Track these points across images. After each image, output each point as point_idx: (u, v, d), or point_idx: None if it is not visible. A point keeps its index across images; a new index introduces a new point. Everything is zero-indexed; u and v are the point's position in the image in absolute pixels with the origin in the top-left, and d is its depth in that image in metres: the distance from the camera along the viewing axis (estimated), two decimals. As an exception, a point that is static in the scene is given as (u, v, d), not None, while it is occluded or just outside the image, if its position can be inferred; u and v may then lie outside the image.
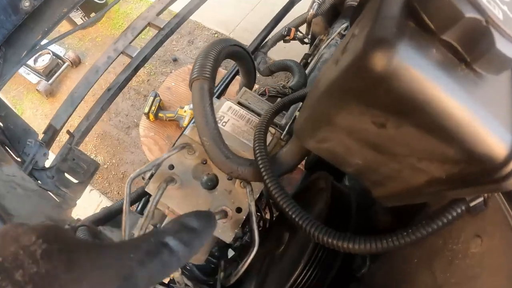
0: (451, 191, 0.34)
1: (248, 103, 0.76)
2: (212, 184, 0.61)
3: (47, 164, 1.55)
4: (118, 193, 2.26)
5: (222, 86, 1.57)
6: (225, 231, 0.57)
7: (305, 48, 1.75)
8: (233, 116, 0.66)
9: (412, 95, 0.27)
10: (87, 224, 0.86)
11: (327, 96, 0.35)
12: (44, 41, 1.60)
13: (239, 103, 0.72)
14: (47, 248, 0.25)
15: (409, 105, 0.28)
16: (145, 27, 1.65)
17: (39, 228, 0.26)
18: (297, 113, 0.77)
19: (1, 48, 1.48)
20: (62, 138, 2.26)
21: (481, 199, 0.38)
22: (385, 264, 0.52)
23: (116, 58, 1.58)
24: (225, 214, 0.55)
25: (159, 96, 2.32)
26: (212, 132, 0.52)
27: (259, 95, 0.92)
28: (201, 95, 0.54)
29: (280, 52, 2.05)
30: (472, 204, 0.37)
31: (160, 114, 2.27)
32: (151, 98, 2.28)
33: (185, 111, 2.23)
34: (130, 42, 1.61)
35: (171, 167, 0.60)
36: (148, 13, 1.64)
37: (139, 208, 1.23)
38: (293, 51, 1.99)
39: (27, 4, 1.39)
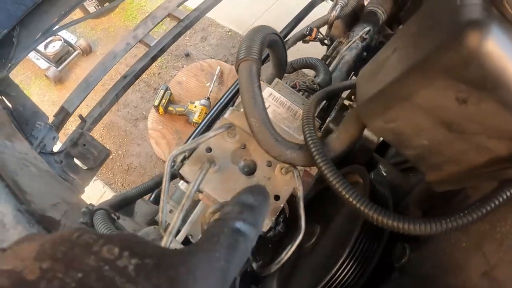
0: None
1: (280, 94, 0.74)
2: (249, 170, 0.59)
3: (55, 149, 1.52)
4: (122, 184, 2.24)
5: (236, 88, 1.56)
6: (262, 219, 0.55)
7: (315, 52, 1.74)
8: (274, 103, 0.64)
9: (499, 72, 0.30)
10: (106, 208, 0.84)
11: (410, 74, 0.36)
12: (56, 27, 1.59)
13: (272, 93, 0.71)
14: (140, 264, 0.22)
15: (495, 81, 0.31)
16: (165, 17, 1.64)
17: (116, 237, 0.23)
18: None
19: (16, 28, 1.46)
20: (68, 126, 2.23)
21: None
22: (428, 254, 0.52)
23: (135, 45, 1.56)
24: (267, 200, 0.53)
25: (170, 90, 2.31)
26: (262, 113, 0.50)
27: (289, 88, 0.91)
28: (249, 76, 0.52)
29: (294, 54, 2.04)
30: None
31: (170, 108, 2.26)
32: (162, 91, 2.26)
33: (195, 107, 2.22)
34: (149, 31, 1.60)
35: (209, 149, 0.59)
36: (169, 3, 1.63)
37: (152, 199, 1.21)
38: (306, 54, 1.98)
39: (48, -18, 1.37)
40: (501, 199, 0.39)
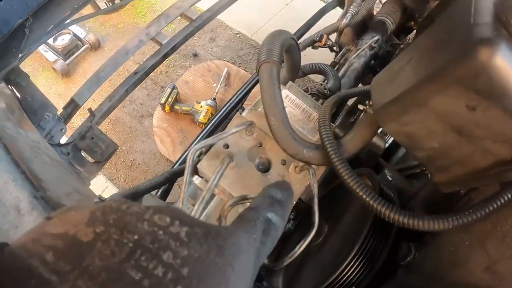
0: None
1: (296, 97, 0.77)
2: (263, 168, 0.62)
3: (62, 141, 1.54)
4: (125, 180, 2.25)
5: (245, 91, 1.58)
6: (275, 215, 0.58)
7: (322, 58, 1.76)
8: (290, 104, 0.67)
9: (505, 83, 0.34)
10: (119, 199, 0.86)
11: (426, 83, 0.40)
12: (67, 20, 1.60)
13: (286, 96, 0.73)
14: (190, 232, 0.23)
15: (501, 91, 0.35)
16: (178, 16, 1.66)
17: (165, 208, 0.24)
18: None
19: (29, 19, 1.48)
20: (73, 120, 2.24)
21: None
22: (433, 252, 0.56)
23: (147, 42, 1.59)
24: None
25: (177, 89, 2.33)
26: (281, 113, 0.52)
27: (301, 91, 0.93)
28: (270, 77, 0.55)
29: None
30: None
31: (176, 107, 2.28)
32: (169, 90, 2.29)
33: (201, 106, 2.24)
34: (162, 29, 1.62)
35: (226, 146, 0.61)
36: (182, 3, 1.66)
37: (159, 194, 1.22)
38: (312, 59, 2.01)
39: (65, -26, 1.39)
40: (502, 200, 0.43)
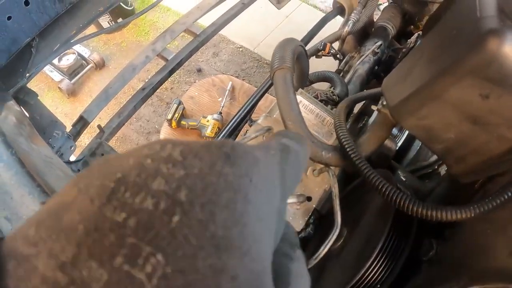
0: None
1: (309, 102, 0.78)
2: (281, 172, 0.62)
3: (71, 159, 1.56)
4: (134, 196, 2.25)
5: (252, 102, 1.58)
6: (295, 219, 0.58)
7: (323, 67, 1.78)
8: (304, 110, 0.68)
9: None
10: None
11: (441, 76, 0.42)
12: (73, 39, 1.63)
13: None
14: (186, 149, 0.18)
15: None
16: (182, 32, 1.70)
17: (157, 141, 0.19)
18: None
19: (35, 38, 1.50)
20: (81, 138, 2.26)
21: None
22: (455, 244, 0.57)
23: (153, 58, 1.61)
24: (304, 198, 0.57)
25: (183, 104, 2.36)
26: (298, 117, 0.54)
27: (310, 98, 0.94)
28: (284, 83, 0.56)
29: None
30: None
31: (182, 122, 2.30)
32: (175, 105, 2.31)
33: (207, 121, 2.26)
34: (167, 45, 1.65)
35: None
36: (186, 19, 1.69)
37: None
38: (316, 69, 2.03)
39: (72, -6, 1.42)
40: None
